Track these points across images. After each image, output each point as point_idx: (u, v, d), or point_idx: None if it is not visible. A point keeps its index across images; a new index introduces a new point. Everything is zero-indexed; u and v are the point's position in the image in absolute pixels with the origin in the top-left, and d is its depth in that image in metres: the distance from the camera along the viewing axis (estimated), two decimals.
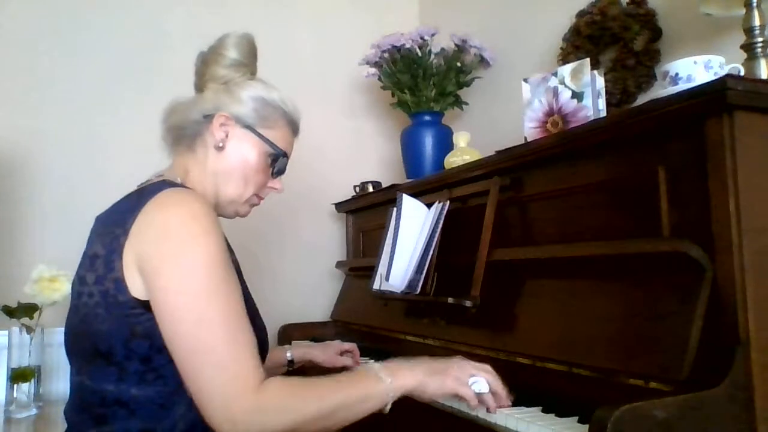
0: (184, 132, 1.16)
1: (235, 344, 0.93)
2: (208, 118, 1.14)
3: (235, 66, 1.17)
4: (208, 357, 0.91)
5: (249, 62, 1.20)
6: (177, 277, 0.93)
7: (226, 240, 1.08)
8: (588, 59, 1.35)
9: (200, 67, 1.21)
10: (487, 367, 1.07)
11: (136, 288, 0.96)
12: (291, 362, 1.54)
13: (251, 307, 1.12)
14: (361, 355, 1.62)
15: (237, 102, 1.15)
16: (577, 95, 1.34)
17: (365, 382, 1.00)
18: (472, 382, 1.03)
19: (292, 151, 1.24)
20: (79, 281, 1.04)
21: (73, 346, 1.05)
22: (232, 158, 1.15)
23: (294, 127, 1.23)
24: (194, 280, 0.93)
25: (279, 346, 1.61)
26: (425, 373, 1.02)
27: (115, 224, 1.01)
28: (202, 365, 0.92)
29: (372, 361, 1.02)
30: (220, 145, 1.14)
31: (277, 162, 1.19)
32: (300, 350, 1.57)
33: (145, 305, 0.96)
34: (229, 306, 0.95)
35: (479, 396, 1.03)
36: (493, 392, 1.04)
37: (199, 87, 1.21)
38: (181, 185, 1.09)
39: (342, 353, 1.59)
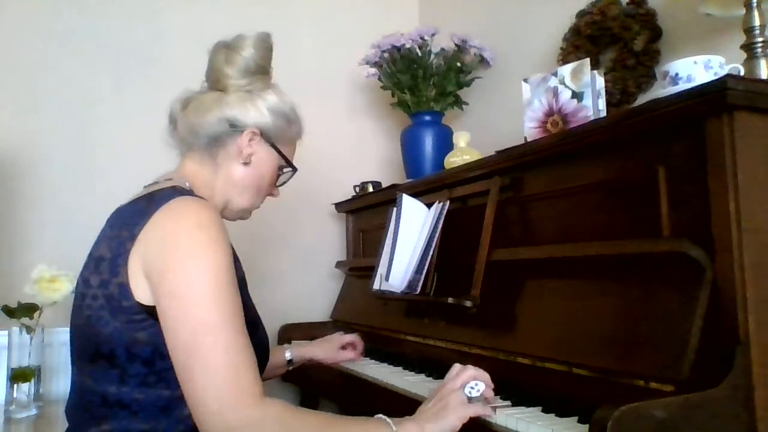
0: (206, 137, 1.13)
1: (234, 353, 0.92)
2: (236, 129, 1.13)
3: (259, 73, 1.17)
4: (205, 363, 0.90)
5: (268, 65, 1.20)
6: (180, 283, 0.93)
7: (234, 252, 1.07)
8: (588, 59, 1.35)
9: (221, 64, 1.15)
10: (457, 366, 1.09)
11: (141, 294, 0.96)
12: (290, 362, 1.53)
13: (254, 315, 1.12)
14: (361, 355, 1.61)
15: (262, 116, 1.15)
16: (577, 95, 1.34)
17: (371, 426, 0.98)
18: (468, 391, 1.04)
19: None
20: (83, 283, 1.04)
21: (77, 346, 1.05)
22: (255, 172, 1.17)
23: (300, 134, 1.25)
24: (197, 288, 0.93)
25: (278, 346, 1.60)
26: (431, 419, 1.00)
27: (122, 228, 1.01)
28: (198, 371, 0.90)
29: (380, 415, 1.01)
30: (247, 160, 1.15)
31: (284, 174, 1.22)
32: (299, 349, 1.56)
33: (149, 311, 0.96)
34: (229, 316, 0.94)
35: (481, 398, 1.04)
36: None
37: (215, 83, 1.16)
38: (190, 191, 1.08)
39: (344, 346, 1.57)
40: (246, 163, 1.15)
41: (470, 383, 1.05)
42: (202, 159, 1.15)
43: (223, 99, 1.14)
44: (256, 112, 1.14)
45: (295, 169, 1.22)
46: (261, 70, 1.17)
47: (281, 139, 1.19)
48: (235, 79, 1.15)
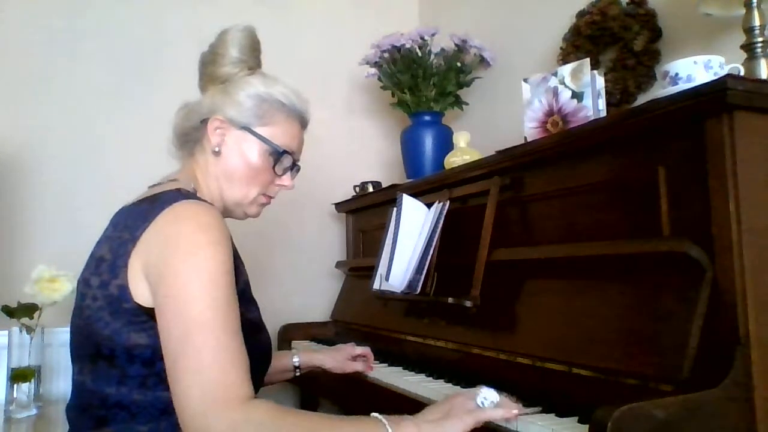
0: (186, 138, 1.17)
1: (223, 354, 0.89)
2: (205, 122, 1.14)
3: (234, 63, 1.16)
4: (192, 361, 0.88)
5: (248, 57, 1.18)
6: (176, 283, 0.92)
7: (238, 255, 1.06)
8: (588, 59, 1.35)
9: (200, 67, 1.21)
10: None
11: (141, 296, 0.96)
12: (297, 368, 1.49)
13: (257, 319, 1.11)
14: (371, 369, 1.52)
15: (232, 103, 1.14)
16: (577, 95, 1.34)
17: (363, 425, 0.92)
18: (480, 400, 0.98)
19: (301, 144, 1.22)
20: (83, 283, 1.04)
21: (77, 346, 1.05)
22: (231, 161, 1.14)
23: (300, 119, 1.20)
24: (192, 287, 0.92)
25: (285, 351, 1.56)
26: (431, 421, 0.94)
27: (124, 229, 1.01)
28: (185, 369, 0.88)
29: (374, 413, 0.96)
30: (216, 149, 1.13)
31: (280, 160, 1.17)
32: (307, 355, 1.51)
33: (149, 313, 0.95)
34: (223, 317, 0.92)
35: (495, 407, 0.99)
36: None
37: (201, 88, 1.21)
38: (194, 193, 1.08)
39: (354, 358, 1.50)
40: (217, 153, 1.13)
41: (482, 394, 0.99)
42: (189, 160, 1.17)
43: (200, 100, 1.18)
44: (227, 100, 1.14)
45: (284, 151, 1.16)
46: (239, 62, 1.16)
47: (262, 123, 1.14)
48: (212, 76, 1.17)
